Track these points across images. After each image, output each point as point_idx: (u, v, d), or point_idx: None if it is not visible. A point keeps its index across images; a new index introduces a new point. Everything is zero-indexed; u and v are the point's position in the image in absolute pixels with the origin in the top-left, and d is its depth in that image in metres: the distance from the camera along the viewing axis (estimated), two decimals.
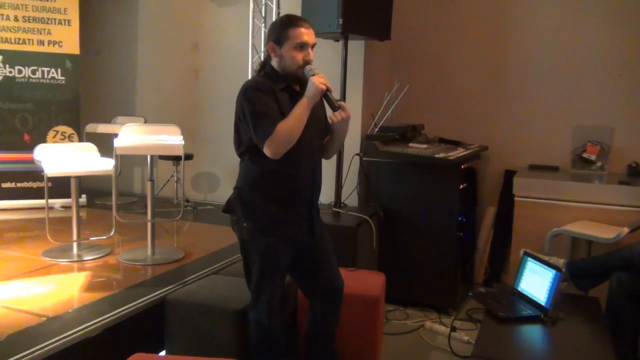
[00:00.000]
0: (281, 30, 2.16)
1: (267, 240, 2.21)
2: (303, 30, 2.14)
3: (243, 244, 2.29)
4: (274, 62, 2.21)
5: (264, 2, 4.09)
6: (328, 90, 2.13)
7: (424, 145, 3.93)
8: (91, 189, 4.74)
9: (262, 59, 4.10)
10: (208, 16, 4.81)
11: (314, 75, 2.14)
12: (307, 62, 2.16)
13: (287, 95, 2.19)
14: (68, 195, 3.34)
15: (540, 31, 4.26)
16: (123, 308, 2.42)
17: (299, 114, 2.10)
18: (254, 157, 2.20)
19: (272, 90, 2.14)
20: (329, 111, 2.29)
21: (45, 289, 2.72)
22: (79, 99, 4.72)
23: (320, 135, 2.34)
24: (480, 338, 2.37)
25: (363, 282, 2.88)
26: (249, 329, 2.34)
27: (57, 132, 4.64)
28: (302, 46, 2.14)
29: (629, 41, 4.02)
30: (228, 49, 4.71)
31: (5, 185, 4.49)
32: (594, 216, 3.59)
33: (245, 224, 2.22)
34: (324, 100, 2.19)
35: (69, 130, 4.67)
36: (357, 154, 3.94)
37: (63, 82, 4.64)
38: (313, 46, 2.19)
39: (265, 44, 2.22)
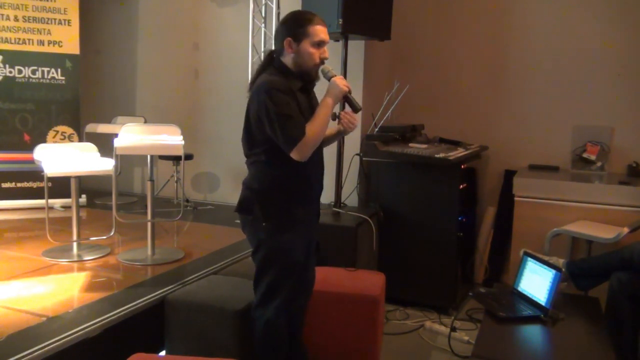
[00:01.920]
0: (300, 26, 2.15)
1: (287, 237, 2.22)
2: (320, 28, 2.16)
3: (260, 243, 2.26)
4: (287, 58, 2.20)
5: (264, 2, 4.09)
6: (349, 91, 2.18)
7: (424, 145, 3.93)
8: (91, 189, 4.74)
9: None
10: (208, 16, 4.81)
11: (333, 76, 2.18)
12: (322, 60, 2.19)
13: (303, 95, 2.21)
14: (68, 195, 3.34)
15: (540, 31, 4.26)
16: (123, 308, 2.42)
17: (325, 115, 2.13)
18: (270, 159, 2.19)
19: (291, 90, 2.13)
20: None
21: (45, 289, 2.72)
22: (79, 99, 4.73)
23: None
24: (480, 338, 2.37)
25: (363, 282, 2.88)
26: (255, 328, 2.33)
27: (57, 132, 4.64)
28: (320, 44, 2.17)
29: (628, 41, 4.02)
30: (228, 49, 4.71)
31: (5, 185, 4.49)
32: (594, 216, 3.59)
33: (264, 224, 2.20)
34: (345, 101, 2.21)
35: (69, 130, 4.68)
36: (357, 154, 3.94)
37: (63, 82, 4.64)
38: (326, 44, 2.23)
39: (279, 39, 2.20)
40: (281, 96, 2.08)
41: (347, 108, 2.25)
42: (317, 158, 2.28)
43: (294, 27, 2.16)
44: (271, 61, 2.25)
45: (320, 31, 2.15)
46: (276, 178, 2.21)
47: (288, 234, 2.22)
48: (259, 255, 2.27)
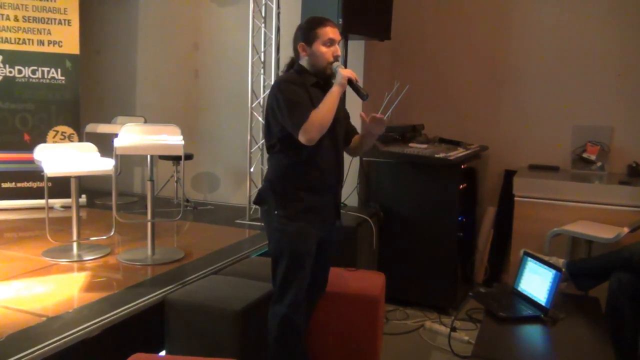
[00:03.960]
0: (310, 30, 2.32)
1: (297, 225, 2.30)
2: (329, 28, 2.31)
3: (273, 233, 2.37)
4: (304, 61, 2.36)
5: (264, 2, 4.09)
6: (356, 80, 2.28)
7: (424, 145, 3.93)
8: (91, 189, 4.73)
9: (262, 58, 4.11)
10: (208, 16, 4.81)
11: (341, 68, 2.30)
12: (335, 57, 2.32)
13: (317, 90, 2.32)
14: (68, 195, 3.34)
15: (540, 31, 4.26)
16: (123, 308, 2.42)
17: (331, 100, 2.23)
18: (283, 149, 2.32)
19: (303, 84, 2.29)
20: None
21: (45, 289, 2.71)
22: (79, 99, 4.72)
23: (343, 131, 2.48)
24: (480, 338, 2.38)
25: (363, 282, 2.88)
26: (270, 326, 2.35)
27: (57, 132, 4.64)
28: (331, 42, 2.31)
29: (628, 41, 4.02)
30: (228, 49, 4.71)
31: (5, 185, 4.49)
32: (594, 216, 3.58)
33: (276, 212, 2.33)
34: (352, 89, 2.30)
35: (69, 130, 4.67)
36: None
37: (63, 82, 4.64)
38: (338, 42, 2.35)
39: (294, 46, 2.39)
40: (291, 86, 2.27)
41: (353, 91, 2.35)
42: (334, 152, 2.38)
43: (305, 31, 2.34)
44: (292, 66, 2.41)
45: (329, 31, 2.30)
46: (288, 167, 2.33)
47: (299, 222, 2.30)
48: (271, 245, 2.39)
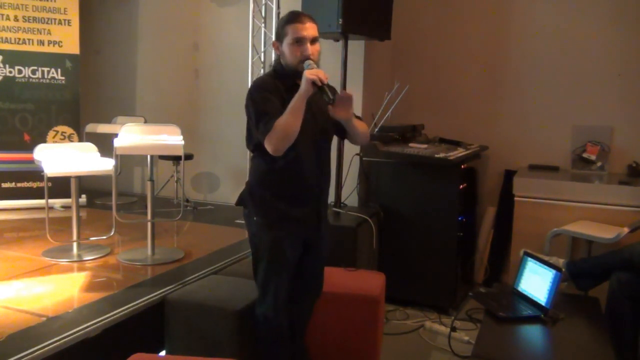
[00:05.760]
0: (280, 27, 2.21)
1: (275, 234, 2.26)
2: (299, 25, 2.14)
3: (252, 237, 2.36)
4: (281, 59, 2.25)
5: (264, 2, 4.09)
6: (322, 82, 2.06)
7: (424, 145, 3.93)
8: (91, 189, 4.74)
9: (262, 58, 4.12)
10: (208, 16, 4.81)
11: (310, 69, 2.10)
12: (305, 57, 2.14)
13: (292, 94, 2.16)
14: (68, 195, 3.34)
15: (540, 31, 4.26)
16: (123, 308, 2.42)
17: (293, 107, 2.08)
18: (261, 155, 2.23)
19: (277, 89, 2.18)
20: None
21: (45, 289, 2.71)
22: (79, 99, 4.72)
23: (326, 132, 2.34)
24: (480, 338, 2.37)
25: (363, 282, 2.88)
26: (255, 326, 2.36)
27: (57, 132, 4.64)
28: (299, 41, 2.14)
29: (628, 41, 4.02)
30: (228, 49, 4.71)
31: (5, 185, 4.49)
32: (594, 216, 3.58)
33: (255, 218, 2.29)
34: (319, 91, 2.09)
35: (69, 130, 4.67)
36: (357, 154, 3.94)
37: (63, 82, 4.64)
38: (314, 40, 2.17)
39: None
40: (262, 93, 2.16)
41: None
42: (315, 159, 2.27)
43: (278, 29, 2.24)
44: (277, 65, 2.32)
45: (298, 29, 2.13)
46: (266, 174, 2.27)
47: (276, 231, 2.26)
48: (251, 248, 2.38)
